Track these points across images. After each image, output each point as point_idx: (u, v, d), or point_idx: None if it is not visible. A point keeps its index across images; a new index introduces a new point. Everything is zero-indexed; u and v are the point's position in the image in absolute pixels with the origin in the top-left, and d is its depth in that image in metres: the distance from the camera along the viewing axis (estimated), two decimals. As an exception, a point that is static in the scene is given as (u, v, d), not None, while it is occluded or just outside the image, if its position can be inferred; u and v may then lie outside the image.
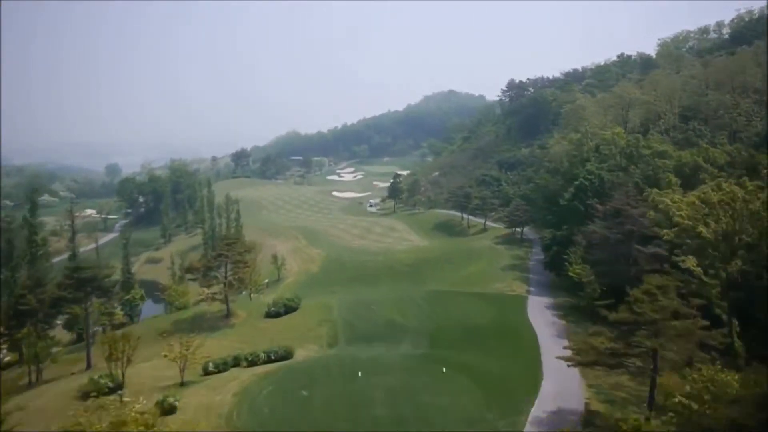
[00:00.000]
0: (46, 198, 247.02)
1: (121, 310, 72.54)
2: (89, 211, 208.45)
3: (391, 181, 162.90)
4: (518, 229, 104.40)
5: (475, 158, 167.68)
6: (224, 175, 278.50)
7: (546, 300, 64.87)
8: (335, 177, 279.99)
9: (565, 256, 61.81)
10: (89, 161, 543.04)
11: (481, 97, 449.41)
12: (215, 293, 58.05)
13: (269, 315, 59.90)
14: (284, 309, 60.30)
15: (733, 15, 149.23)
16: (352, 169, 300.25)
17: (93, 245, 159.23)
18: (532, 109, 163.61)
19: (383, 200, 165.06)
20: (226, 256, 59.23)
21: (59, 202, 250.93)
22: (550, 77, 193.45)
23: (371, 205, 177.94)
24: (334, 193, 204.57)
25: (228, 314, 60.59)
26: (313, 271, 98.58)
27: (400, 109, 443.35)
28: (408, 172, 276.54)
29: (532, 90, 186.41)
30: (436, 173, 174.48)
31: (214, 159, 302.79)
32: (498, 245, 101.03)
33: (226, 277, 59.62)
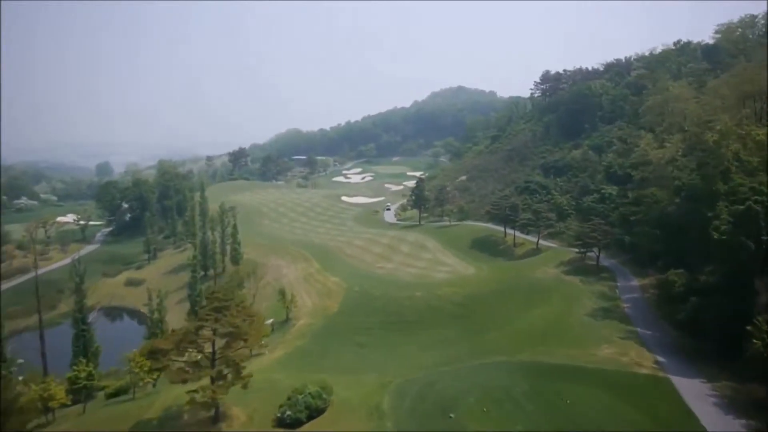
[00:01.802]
0: (24, 201, 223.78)
1: (69, 387, 49.96)
2: (68, 217, 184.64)
3: (414, 187, 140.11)
4: (590, 253, 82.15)
5: (509, 161, 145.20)
6: (221, 176, 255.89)
7: (703, 387, 42.52)
8: (341, 179, 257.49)
9: (745, 327, 39.39)
10: (86, 160, 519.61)
11: (492, 93, 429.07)
12: (195, 392, 35.37)
13: (283, 422, 37.45)
14: (306, 412, 37.79)
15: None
16: (359, 170, 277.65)
17: (63, 262, 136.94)
18: (576, 104, 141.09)
19: (404, 209, 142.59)
20: (212, 331, 36.68)
21: (38, 205, 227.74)
22: (589, 68, 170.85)
23: (388, 209, 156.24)
24: (344, 198, 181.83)
25: (216, 417, 38.14)
26: (331, 309, 76.00)
27: (407, 105, 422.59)
28: (421, 173, 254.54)
29: (570, 83, 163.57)
30: (463, 177, 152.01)
31: (209, 159, 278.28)
32: (567, 275, 78.79)
33: (212, 364, 37.07)
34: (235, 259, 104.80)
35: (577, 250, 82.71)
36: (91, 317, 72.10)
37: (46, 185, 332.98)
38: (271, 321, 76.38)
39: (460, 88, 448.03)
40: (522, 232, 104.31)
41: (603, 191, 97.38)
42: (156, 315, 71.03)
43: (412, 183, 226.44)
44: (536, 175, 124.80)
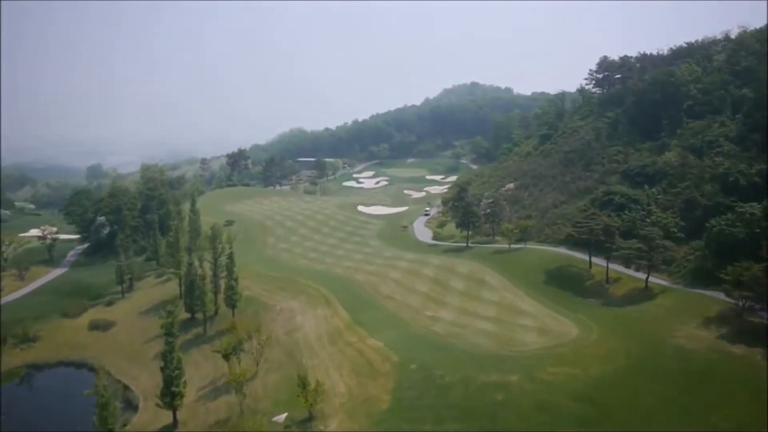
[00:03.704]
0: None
1: None
2: (40, 230, 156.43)
3: (453, 197, 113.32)
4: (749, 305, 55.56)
5: (570, 165, 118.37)
6: (219, 180, 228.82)
7: None
8: (353, 183, 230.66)
9: None
10: (83, 160, 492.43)
11: (509, 89, 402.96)
12: None
13: None
14: None
15: None
16: (371, 173, 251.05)
17: (19, 292, 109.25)
18: (653, 95, 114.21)
19: (441, 225, 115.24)
20: None
21: (11, 215, 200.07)
22: (654, 53, 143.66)
23: (427, 213, 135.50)
24: (361, 209, 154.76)
25: None
26: (379, 404, 49.10)
27: (417, 103, 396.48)
28: (441, 177, 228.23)
29: (638, 70, 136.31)
30: (510, 185, 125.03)
31: (203, 162, 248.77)
32: (732, 344, 52.03)
33: None
34: (231, 300, 77.91)
35: (737, 302, 56.04)
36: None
37: (30, 190, 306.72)
38: (282, 417, 49.81)
39: (474, 84, 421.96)
40: (604, 260, 77.75)
41: (741, 210, 70.24)
42: (105, 424, 43.85)
43: (434, 189, 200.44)
44: (616, 183, 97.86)
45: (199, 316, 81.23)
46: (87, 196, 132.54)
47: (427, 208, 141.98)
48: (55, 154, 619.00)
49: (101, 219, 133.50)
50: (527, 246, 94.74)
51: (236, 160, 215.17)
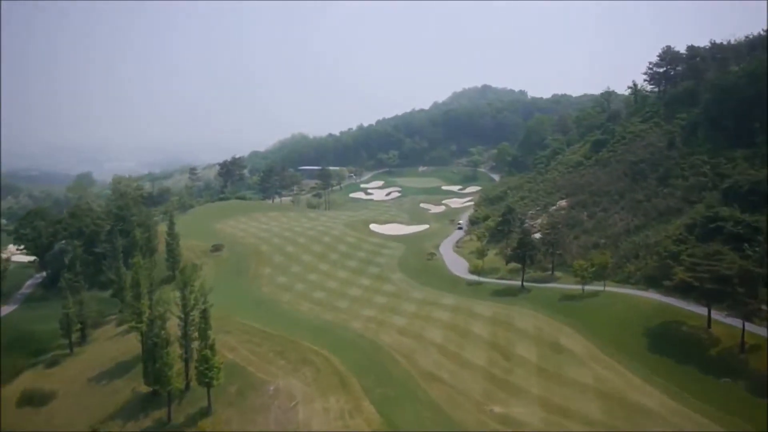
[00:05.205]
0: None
1: None
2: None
3: (499, 220, 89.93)
4: None
5: (639, 179, 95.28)
6: (211, 192, 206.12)
7: None
8: (361, 194, 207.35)
9: None
10: (82, 166, 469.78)
11: (522, 92, 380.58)
12: None
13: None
14: None
15: None
16: (380, 183, 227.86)
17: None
18: (743, 91, 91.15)
19: (481, 253, 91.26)
20: None
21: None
22: (724, 42, 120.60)
23: (460, 227, 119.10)
24: (373, 227, 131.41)
25: None
26: None
27: (425, 107, 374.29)
28: (459, 187, 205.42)
29: (716, 62, 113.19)
30: (562, 201, 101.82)
31: (192, 171, 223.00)
32: None
33: None
34: (206, 377, 54.51)
35: None
36: None
37: (12, 200, 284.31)
38: None
39: (486, 87, 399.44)
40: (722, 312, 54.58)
41: None
42: None
43: (454, 201, 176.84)
44: (716, 204, 74.53)
45: (163, 395, 58.00)
46: (42, 216, 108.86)
47: (461, 222, 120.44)
48: (56, 159, 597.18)
49: (62, 244, 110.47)
50: (606, 289, 71.34)
51: (229, 169, 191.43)
